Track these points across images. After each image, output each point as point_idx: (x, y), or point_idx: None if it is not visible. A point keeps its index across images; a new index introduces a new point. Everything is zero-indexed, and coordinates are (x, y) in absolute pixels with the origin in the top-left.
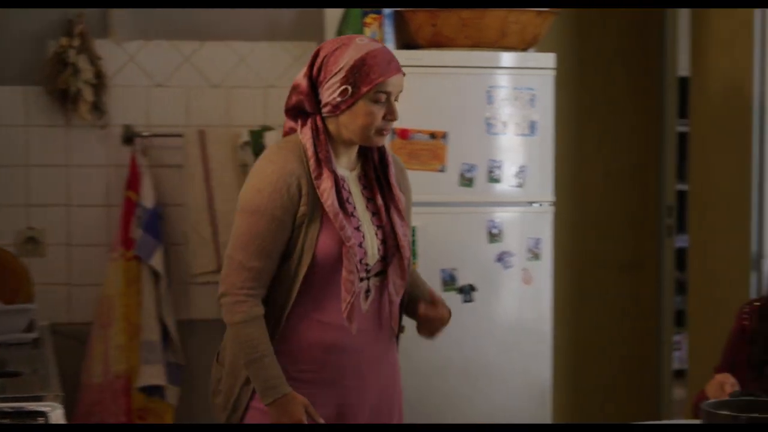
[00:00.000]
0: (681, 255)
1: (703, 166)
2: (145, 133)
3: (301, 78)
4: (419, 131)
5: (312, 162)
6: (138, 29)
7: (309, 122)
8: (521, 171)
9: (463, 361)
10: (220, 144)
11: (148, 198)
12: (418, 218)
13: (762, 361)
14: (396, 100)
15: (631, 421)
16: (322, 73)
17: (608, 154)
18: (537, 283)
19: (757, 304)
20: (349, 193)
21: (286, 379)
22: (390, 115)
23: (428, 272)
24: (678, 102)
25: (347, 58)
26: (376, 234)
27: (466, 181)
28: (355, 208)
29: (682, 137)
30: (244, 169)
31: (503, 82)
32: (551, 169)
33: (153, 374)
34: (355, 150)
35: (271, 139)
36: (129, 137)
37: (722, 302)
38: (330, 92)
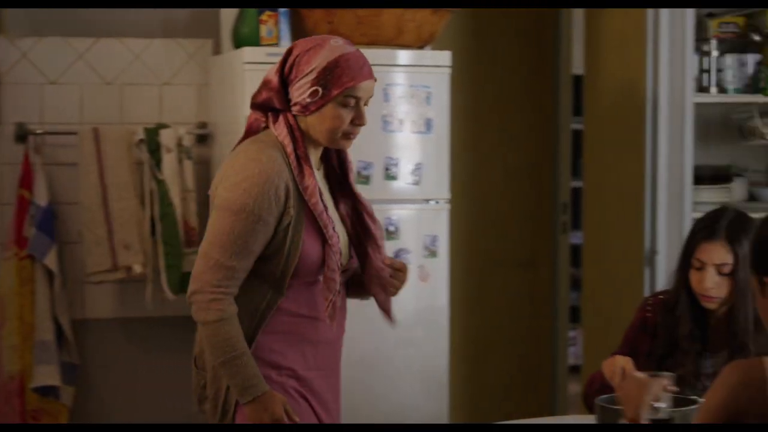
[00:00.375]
0: (576, 252)
1: (597, 164)
2: (38, 131)
3: (272, 74)
4: None
5: (292, 159)
6: (31, 26)
7: (282, 118)
8: (417, 169)
9: (360, 358)
10: (114, 142)
11: (41, 196)
12: None
13: (664, 355)
14: (366, 104)
15: (528, 416)
16: (294, 72)
17: (504, 152)
18: (434, 280)
19: (662, 297)
20: (321, 192)
21: (268, 379)
22: (358, 119)
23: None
24: (573, 100)
25: (320, 59)
26: (348, 234)
27: (363, 179)
28: (327, 207)
29: (577, 135)
30: (139, 167)
31: (399, 79)
32: (447, 166)
33: (47, 374)
34: (320, 150)
35: (166, 136)
36: (22, 135)
37: (616, 298)
38: (300, 92)
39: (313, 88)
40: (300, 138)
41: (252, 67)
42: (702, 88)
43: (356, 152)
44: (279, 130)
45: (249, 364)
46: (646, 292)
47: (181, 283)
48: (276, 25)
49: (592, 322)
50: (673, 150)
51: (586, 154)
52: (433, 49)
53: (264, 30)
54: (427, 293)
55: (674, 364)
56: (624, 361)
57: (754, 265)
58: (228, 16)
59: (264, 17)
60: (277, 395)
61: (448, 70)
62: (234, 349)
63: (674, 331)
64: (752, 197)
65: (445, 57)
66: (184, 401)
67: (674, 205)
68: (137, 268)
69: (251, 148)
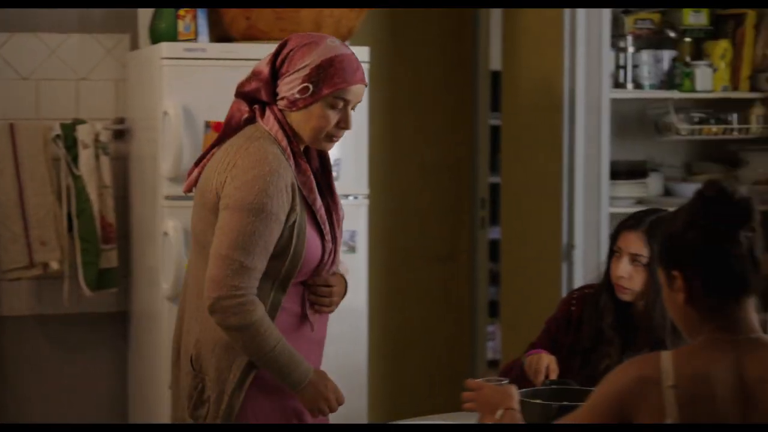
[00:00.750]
0: (494, 247)
1: (515, 159)
2: None
3: (263, 65)
4: None
5: (289, 154)
6: None
7: (269, 112)
8: (336, 164)
9: None
10: (30, 138)
11: None
12: None
13: (588, 349)
14: (353, 109)
15: (447, 410)
16: (286, 65)
17: (423, 148)
18: (352, 276)
19: (587, 291)
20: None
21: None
22: (344, 123)
23: None
24: (491, 96)
25: (315, 56)
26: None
27: None
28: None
29: (495, 131)
30: (55, 163)
31: None
32: (366, 162)
33: None
34: (302, 149)
35: (83, 132)
36: None
37: (534, 293)
38: (289, 87)
39: (304, 84)
40: (291, 133)
41: (169, 63)
42: (618, 84)
43: None
44: (270, 124)
45: (290, 350)
46: (564, 287)
47: (98, 279)
48: (194, 20)
49: (510, 317)
50: (589, 145)
51: (504, 150)
52: (352, 44)
53: (181, 25)
54: None
55: (599, 357)
56: (549, 360)
57: (662, 258)
58: (145, 11)
59: (181, 12)
60: (317, 369)
61: (366, 66)
62: (276, 343)
63: (598, 323)
64: (668, 192)
65: (363, 53)
66: (103, 398)
67: (591, 199)
68: (54, 265)
69: (252, 146)
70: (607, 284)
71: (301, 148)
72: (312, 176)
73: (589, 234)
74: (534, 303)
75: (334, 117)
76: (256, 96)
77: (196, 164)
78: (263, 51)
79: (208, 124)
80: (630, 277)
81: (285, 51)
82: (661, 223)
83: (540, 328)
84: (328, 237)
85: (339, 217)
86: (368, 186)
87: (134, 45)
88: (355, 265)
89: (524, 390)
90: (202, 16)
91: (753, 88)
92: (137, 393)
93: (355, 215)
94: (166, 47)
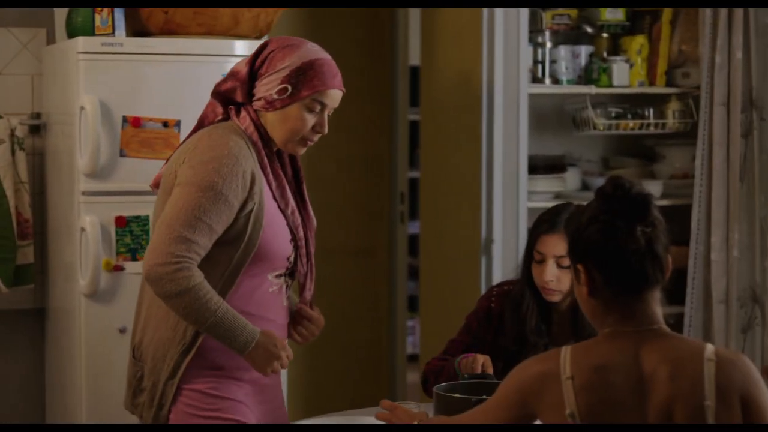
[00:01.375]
0: (413, 241)
1: (434, 154)
2: None
3: (242, 65)
4: (151, 119)
5: (262, 155)
6: None
7: (244, 111)
8: None
9: None
10: None
11: None
12: (151, 207)
13: (514, 351)
14: (329, 114)
15: (367, 406)
16: (265, 66)
17: (341, 142)
18: None
19: (507, 287)
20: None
21: (224, 376)
22: (319, 127)
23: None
24: (410, 91)
25: (295, 58)
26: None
27: None
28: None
29: (414, 126)
30: None
31: None
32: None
33: None
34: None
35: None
36: None
37: (453, 287)
38: (267, 87)
39: (283, 85)
40: (266, 134)
41: (86, 57)
42: (536, 79)
43: None
44: (245, 124)
45: (234, 314)
46: (483, 281)
47: (15, 276)
48: (110, 14)
49: (429, 311)
50: (508, 140)
51: (423, 145)
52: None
53: (98, 20)
54: None
55: (524, 359)
56: (484, 359)
57: (569, 252)
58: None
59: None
60: (265, 329)
61: None
62: (218, 305)
63: (521, 328)
64: (585, 186)
65: None
66: (20, 394)
67: (510, 194)
68: None
69: (215, 132)
70: (528, 288)
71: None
72: (286, 183)
73: (507, 228)
74: (453, 297)
75: (310, 120)
76: (231, 96)
77: (167, 160)
78: (181, 45)
79: (125, 119)
80: (558, 280)
81: (265, 52)
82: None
83: (460, 322)
84: (301, 243)
85: (311, 226)
86: None
87: (51, 39)
88: None
89: (442, 384)
90: (119, 10)
91: (669, 84)
92: (55, 389)
93: None
94: (82, 41)
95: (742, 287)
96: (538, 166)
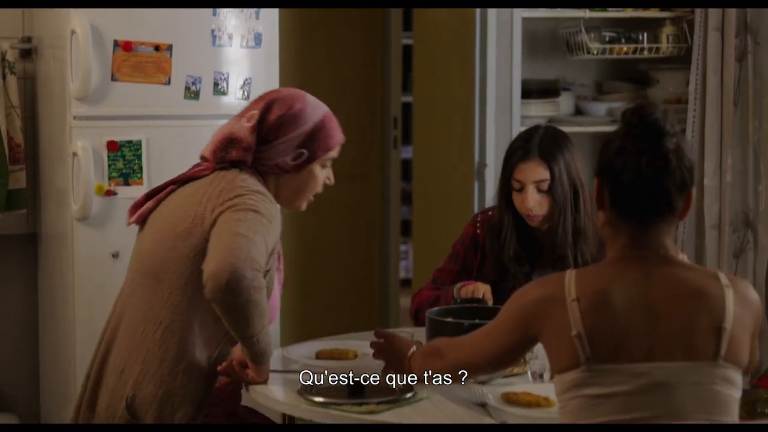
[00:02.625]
0: (406, 166)
1: (427, 79)
2: None
3: (245, 133)
4: (143, 43)
5: None
6: None
7: (253, 173)
8: (246, 83)
9: None
10: None
11: None
12: (143, 131)
13: (496, 280)
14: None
15: (360, 330)
16: (275, 133)
17: (334, 66)
18: None
19: (492, 213)
20: None
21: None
22: (329, 179)
23: (155, 185)
24: (403, 14)
25: (306, 120)
26: None
27: (192, 94)
28: None
29: (407, 50)
30: None
31: None
32: (277, 81)
33: None
34: None
35: None
36: None
37: (446, 212)
38: (281, 154)
39: (298, 150)
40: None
41: None
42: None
43: (184, 67)
44: (253, 180)
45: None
46: (476, 205)
47: (7, 201)
48: None
49: (422, 236)
50: (501, 64)
51: (416, 69)
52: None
53: None
54: None
55: (506, 288)
56: (485, 289)
57: (596, 166)
58: None
59: None
60: None
61: None
62: (266, 323)
63: (500, 257)
64: (579, 111)
65: None
66: (13, 318)
67: (503, 118)
68: None
69: (250, 179)
70: (506, 216)
71: None
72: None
73: (500, 153)
74: (446, 222)
75: (323, 176)
76: (239, 162)
77: (149, 197)
78: None
79: (117, 43)
80: (540, 205)
81: (271, 118)
82: (552, 142)
83: (456, 240)
84: (278, 303)
85: (280, 283)
86: None
87: None
88: None
89: (435, 309)
90: None
91: (663, 8)
92: (47, 314)
93: None
94: None
95: (735, 212)
96: (532, 91)
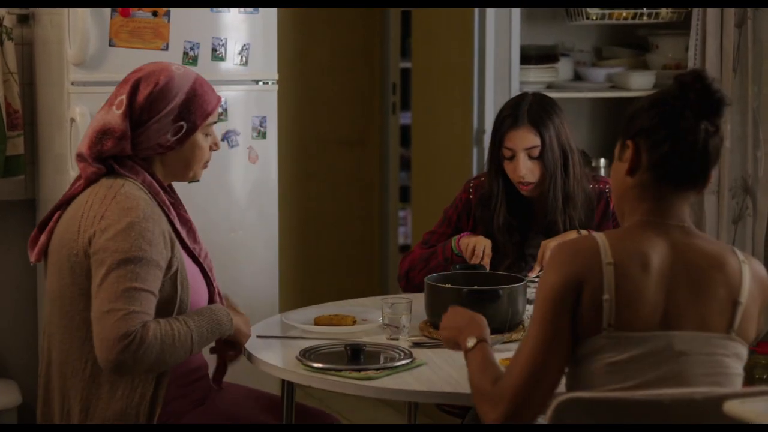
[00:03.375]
0: (405, 132)
1: (426, 44)
2: None
3: (118, 121)
4: (141, 9)
5: (167, 204)
6: None
7: (132, 163)
8: (245, 49)
9: None
10: None
11: None
12: None
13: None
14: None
15: (359, 296)
16: (148, 113)
17: (333, 32)
18: (263, 161)
19: (483, 179)
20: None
21: (172, 398)
22: (215, 145)
23: None
24: None
25: (176, 92)
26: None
27: (190, 60)
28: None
29: (406, 15)
30: None
31: None
32: (275, 47)
33: None
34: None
35: None
36: None
37: (445, 177)
38: (161, 133)
39: (177, 124)
40: (159, 179)
41: None
42: None
43: (182, 33)
44: (140, 175)
45: (202, 321)
46: (474, 171)
47: (5, 167)
48: None
49: (421, 202)
50: (500, 30)
51: (414, 35)
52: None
53: None
54: (256, 175)
55: (499, 258)
56: (486, 243)
57: (623, 129)
58: None
59: None
60: (234, 316)
61: None
62: (188, 336)
63: (489, 227)
64: (578, 77)
65: None
66: (11, 284)
67: (501, 84)
68: None
69: (119, 194)
70: (498, 184)
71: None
72: (192, 222)
73: None
74: (445, 188)
75: (207, 143)
76: (117, 154)
77: (40, 229)
78: None
79: (114, 9)
80: (531, 172)
81: (140, 99)
82: (541, 108)
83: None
84: (215, 284)
85: (207, 256)
86: (278, 71)
87: None
88: (265, 152)
89: (434, 275)
90: None
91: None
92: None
93: (264, 101)
94: None
95: (734, 178)
96: (531, 56)
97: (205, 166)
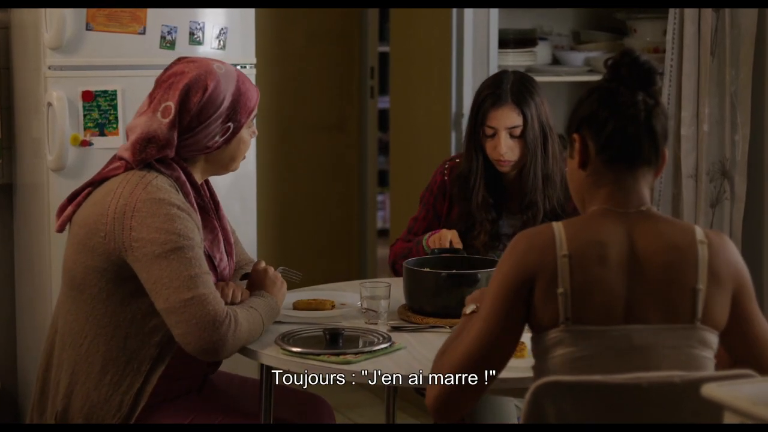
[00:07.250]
0: (384, 116)
1: (404, 28)
2: None
3: (164, 130)
4: None
5: (196, 211)
6: None
7: (171, 163)
8: (222, 33)
9: None
10: None
11: None
12: (119, 81)
13: (465, 229)
14: None
15: (338, 280)
16: (197, 119)
17: (310, 16)
18: None
19: (459, 160)
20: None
21: (167, 396)
22: (254, 133)
23: None
24: None
25: (223, 95)
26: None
27: (168, 44)
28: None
29: None
30: None
31: None
32: (252, 30)
33: None
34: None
35: None
36: None
37: (423, 162)
38: (209, 137)
39: (225, 125)
40: (195, 182)
41: None
42: None
43: (160, 17)
44: (175, 173)
45: (261, 307)
46: (453, 155)
47: None
48: None
49: (400, 186)
50: (478, 13)
51: (392, 19)
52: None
53: None
54: None
55: (474, 236)
56: (451, 234)
57: (567, 125)
58: None
59: None
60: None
61: None
62: (260, 316)
63: (467, 207)
64: (556, 60)
65: None
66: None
67: (480, 68)
68: None
69: (151, 183)
70: (477, 161)
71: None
72: (219, 230)
73: None
74: (423, 172)
75: (249, 134)
76: (162, 159)
77: (70, 200)
78: None
79: None
80: (511, 150)
81: (191, 108)
82: (523, 87)
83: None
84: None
85: (232, 250)
86: (255, 55)
87: None
88: None
89: (412, 259)
90: None
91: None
92: (24, 264)
93: None
94: None
95: (712, 162)
96: (509, 40)
97: (244, 157)
